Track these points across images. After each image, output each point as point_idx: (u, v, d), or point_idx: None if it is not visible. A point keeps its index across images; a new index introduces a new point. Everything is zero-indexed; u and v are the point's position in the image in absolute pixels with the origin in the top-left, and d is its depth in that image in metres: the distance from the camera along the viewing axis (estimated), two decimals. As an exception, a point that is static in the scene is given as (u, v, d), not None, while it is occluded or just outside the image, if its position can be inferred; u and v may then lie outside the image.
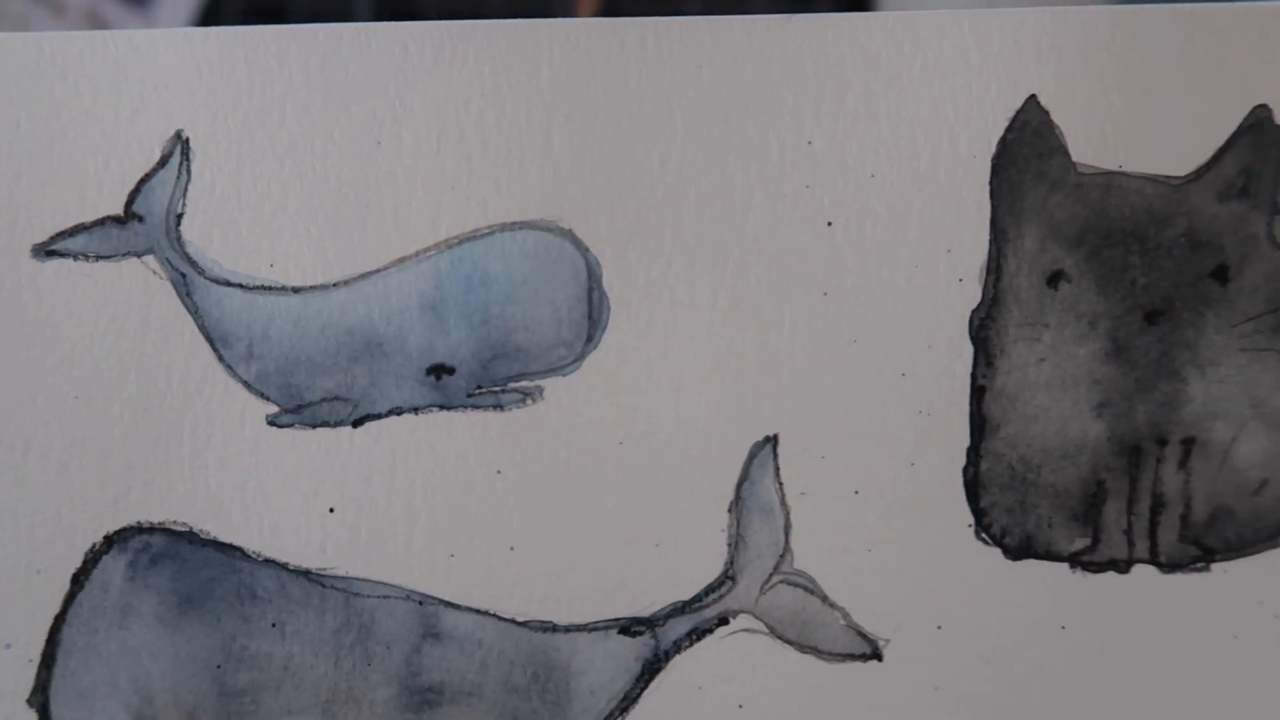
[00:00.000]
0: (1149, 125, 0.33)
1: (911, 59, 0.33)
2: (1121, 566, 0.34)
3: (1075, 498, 0.34)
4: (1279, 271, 0.33)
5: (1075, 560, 0.34)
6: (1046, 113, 0.33)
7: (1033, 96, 0.33)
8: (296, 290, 0.34)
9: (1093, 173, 0.33)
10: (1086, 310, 0.33)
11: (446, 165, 0.33)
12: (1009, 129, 0.33)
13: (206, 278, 0.34)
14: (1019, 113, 0.33)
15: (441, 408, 0.34)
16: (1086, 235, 0.33)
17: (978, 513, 0.34)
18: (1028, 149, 0.33)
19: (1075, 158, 0.33)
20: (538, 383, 0.34)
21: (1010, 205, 0.33)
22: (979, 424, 0.34)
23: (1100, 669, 0.34)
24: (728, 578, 0.34)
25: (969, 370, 0.34)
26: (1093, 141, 0.33)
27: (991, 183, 0.33)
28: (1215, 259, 0.33)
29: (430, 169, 0.33)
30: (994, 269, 0.33)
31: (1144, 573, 0.34)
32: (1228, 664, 0.34)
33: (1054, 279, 0.33)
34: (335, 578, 0.34)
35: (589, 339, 0.34)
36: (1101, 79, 0.33)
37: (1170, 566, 0.34)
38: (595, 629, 0.34)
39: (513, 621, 0.34)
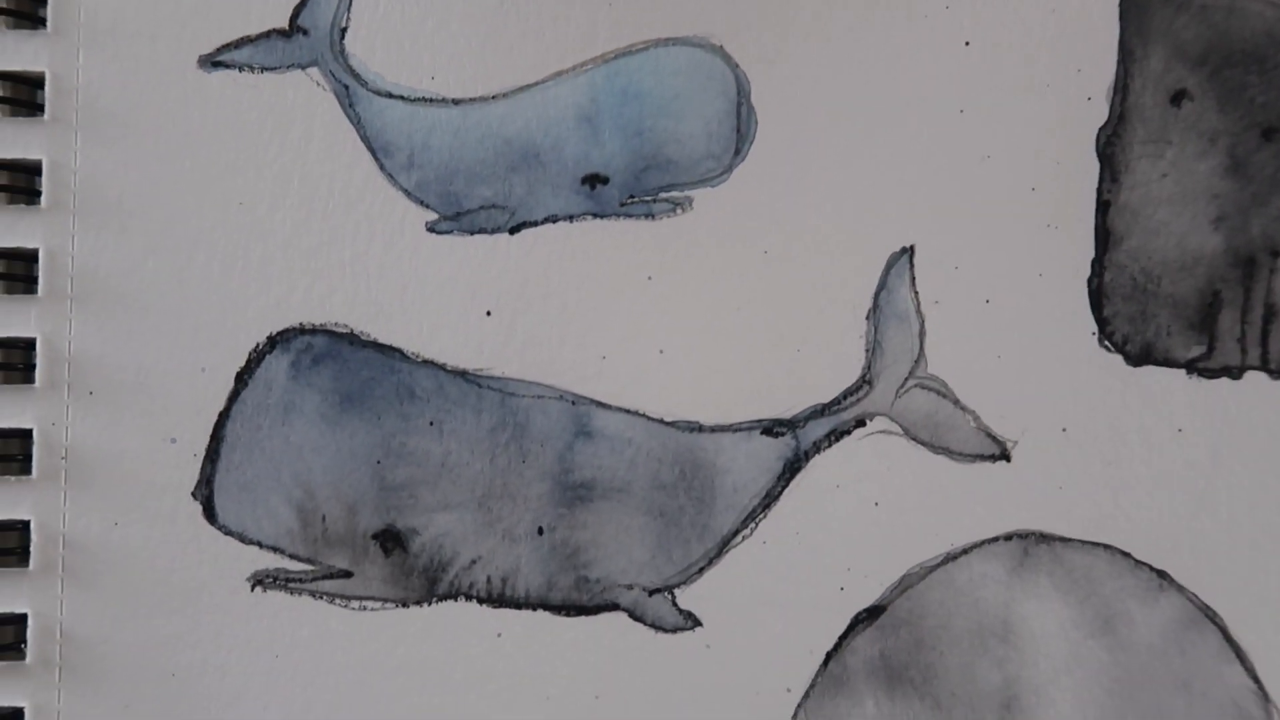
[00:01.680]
0: (1270, -50, 0.36)
1: (1048, -116, 0.35)
2: (1235, 373, 0.37)
3: (1192, 307, 0.37)
4: None
5: (1192, 366, 0.37)
6: (1175, -64, 0.36)
7: (1162, -78, 0.36)
8: (456, 102, 0.36)
9: (1217, -5, 0.36)
10: (1207, 128, 0.36)
11: (604, -19, 0.36)
12: (1139, -48, 0.36)
13: (369, 89, 0.36)
14: (1149, -64, 0.36)
15: (595, 216, 0.36)
16: (1209, 56, 0.36)
17: (1101, 321, 0.37)
18: (1156, -29, 0.36)
19: (1201, -19, 0.36)
20: (687, 193, 0.36)
21: (1138, 26, 0.36)
22: (1104, 237, 0.37)
23: (1214, 470, 0.37)
24: (865, 382, 0.37)
25: (1095, 186, 0.36)
26: (1216, -35, 0.36)
27: (1120, 4, 0.36)
28: None
29: (589, -16, 0.35)
30: (1121, 88, 0.36)
31: (1256, 379, 0.37)
32: (1332, 466, 0.37)
33: (1177, 98, 0.36)
34: (491, 378, 0.36)
35: (737, 152, 0.36)
36: (1227, -96, 0.35)
37: (1280, 373, 0.37)
38: (739, 429, 0.37)
39: (661, 421, 0.37)
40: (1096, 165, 0.37)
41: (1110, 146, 0.37)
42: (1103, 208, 0.37)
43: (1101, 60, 0.37)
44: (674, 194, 0.37)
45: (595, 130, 0.36)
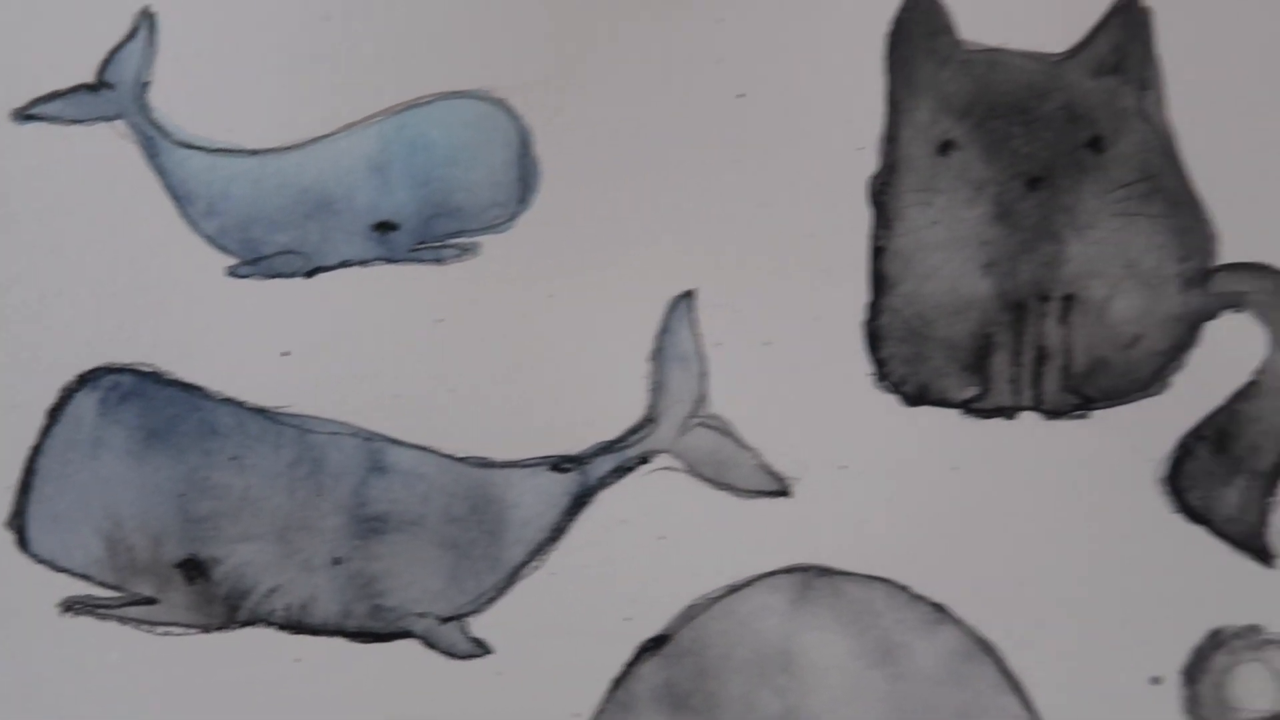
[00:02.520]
0: (1029, 5, 0.37)
1: (813, -58, 0.37)
2: (1008, 413, 0.39)
3: (966, 350, 0.38)
4: (1148, 142, 0.38)
5: (966, 407, 0.39)
6: (936, -7, 0.37)
7: (924, -23, 0.37)
8: (254, 153, 0.38)
9: (977, 49, 0.38)
10: (974, 177, 0.38)
11: (390, 37, 0.38)
12: (902, 8, 0.38)
13: (171, 141, 0.38)
14: (911, -7, 0.37)
15: (387, 261, 0.38)
16: (973, 107, 0.38)
17: (878, 363, 0.39)
18: (919, 27, 0.38)
19: (962, 36, 0.37)
20: (475, 239, 0.38)
21: (904, 79, 0.38)
22: (878, 281, 0.39)
23: (988, 508, 0.39)
24: (649, 420, 0.39)
25: (869, 232, 0.38)
26: (977, 20, 0.37)
27: (886, 58, 0.38)
28: (1090, 130, 0.38)
29: (376, 41, 0.38)
30: (890, 138, 0.38)
31: (1029, 419, 0.39)
32: (1105, 504, 0.39)
33: (944, 148, 0.38)
34: (289, 415, 0.38)
35: (521, 200, 0.38)
36: (987, -38, 0.37)
37: (1053, 414, 0.39)
38: (528, 465, 0.39)
39: (452, 457, 0.38)
40: (869, 212, 0.39)
41: (882, 194, 0.39)
42: (877, 253, 0.39)
43: (870, 112, 0.38)
44: (462, 240, 0.39)
45: (385, 179, 0.39)
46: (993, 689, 0.39)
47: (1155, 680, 0.39)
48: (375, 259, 0.39)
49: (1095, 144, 0.39)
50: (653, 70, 0.39)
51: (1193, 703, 0.39)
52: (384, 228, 0.39)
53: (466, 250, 0.39)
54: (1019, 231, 0.39)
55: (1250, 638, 0.39)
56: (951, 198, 0.39)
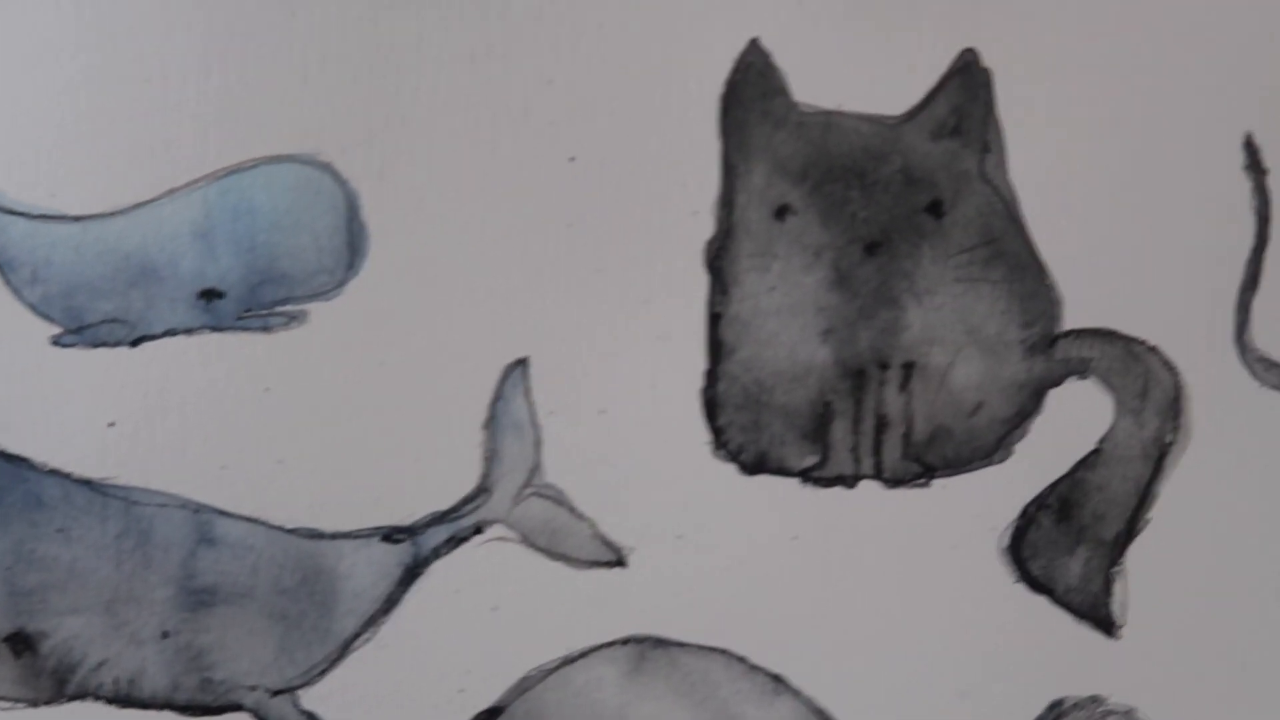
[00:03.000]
0: (865, 67, 0.36)
1: (642, 2, 0.36)
2: (849, 482, 0.38)
3: (805, 417, 0.38)
4: (990, 206, 0.37)
5: (806, 476, 0.38)
6: (768, 55, 0.36)
7: (755, 39, 0.36)
8: (77, 219, 0.38)
9: (813, 112, 0.37)
10: (811, 242, 0.37)
11: (212, 102, 0.37)
12: (734, 70, 0.37)
13: None
14: (743, 55, 0.37)
15: (213, 329, 0.38)
16: (809, 171, 0.37)
17: (715, 431, 0.38)
18: (752, 89, 0.37)
19: (797, 98, 0.36)
20: (303, 306, 0.38)
21: (738, 143, 0.37)
22: (716, 348, 0.38)
23: (828, 577, 0.38)
24: (483, 489, 0.38)
25: (706, 298, 0.37)
26: (812, 82, 0.36)
27: (720, 121, 0.37)
28: (930, 194, 0.37)
29: (197, 105, 0.37)
30: (726, 203, 0.37)
31: (869, 488, 0.39)
32: (948, 573, 0.38)
33: (781, 212, 0.37)
34: (116, 487, 0.38)
35: (350, 266, 0.38)
36: (818, 21, 0.36)
37: (894, 482, 0.38)
38: (359, 536, 0.38)
39: (281, 529, 0.38)
40: (706, 278, 0.38)
41: (719, 260, 0.38)
42: (714, 320, 0.38)
43: (705, 175, 0.38)
44: (289, 308, 0.38)
45: (210, 245, 0.38)
46: (831, 761, 0.39)
47: (995, 753, 0.39)
48: (201, 327, 0.38)
49: (935, 208, 0.38)
50: (483, 132, 0.38)
51: (1032, 776, 0.39)
52: (209, 295, 0.38)
53: (294, 318, 0.38)
54: (857, 297, 0.38)
55: (1091, 709, 0.39)
56: (789, 263, 0.38)
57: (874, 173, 0.38)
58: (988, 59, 0.38)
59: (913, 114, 0.38)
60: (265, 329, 0.39)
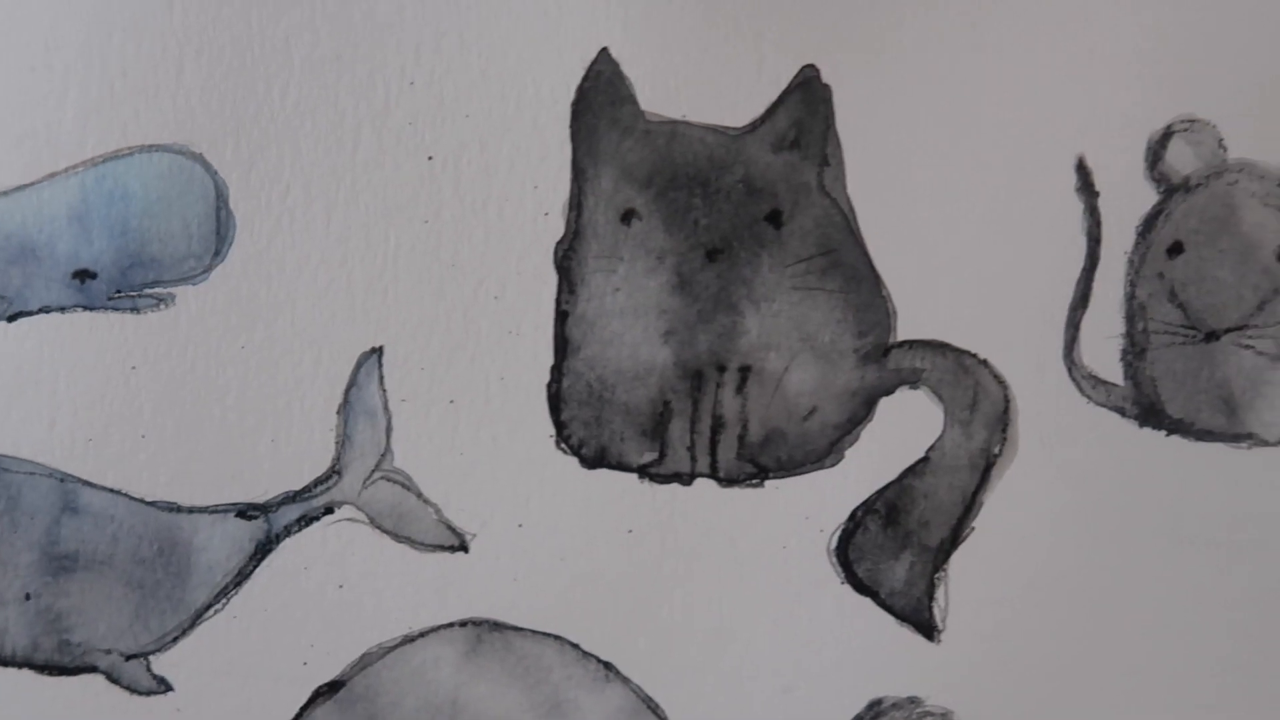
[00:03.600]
0: (710, 79, 0.38)
1: (499, 8, 0.38)
2: (685, 479, 0.40)
3: (645, 415, 0.39)
4: (828, 218, 0.39)
5: (644, 472, 0.40)
6: (617, 64, 0.38)
7: (605, 49, 0.38)
8: (-38, 198, 0.39)
9: (659, 121, 0.39)
10: (655, 246, 0.39)
11: (92, 91, 0.39)
12: (585, 78, 0.38)
13: None
14: (593, 64, 0.38)
15: (85, 308, 0.40)
16: (654, 177, 0.39)
17: (559, 424, 0.40)
18: (602, 96, 0.38)
19: (644, 107, 0.38)
20: (171, 290, 0.39)
21: (588, 148, 0.39)
22: (562, 345, 0.39)
23: (661, 571, 0.40)
24: (335, 472, 0.40)
25: (554, 296, 0.39)
26: (659, 92, 0.38)
27: (571, 126, 0.38)
28: (770, 204, 0.39)
29: (78, 94, 0.39)
30: (575, 205, 0.39)
31: (705, 486, 0.40)
32: (777, 571, 0.39)
33: (627, 216, 0.39)
34: (-13, 455, 0.39)
35: (216, 252, 0.40)
36: (665, 34, 0.38)
37: (728, 481, 0.40)
38: (215, 511, 0.40)
39: (142, 501, 0.40)
40: (555, 277, 0.39)
41: (567, 260, 0.39)
42: (561, 317, 0.40)
43: (556, 178, 0.39)
44: (158, 290, 0.40)
45: (85, 228, 0.40)
46: (656, 749, 0.41)
47: (815, 748, 0.40)
48: (74, 306, 0.40)
49: (774, 218, 0.39)
50: (346, 129, 0.40)
51: (849, 773, 0.40)
52: (83, 276, 0.40)
53: (162, 300, 0.41)
54: (698, 302, 0.40)
55: (909, 709, 0.40)
56: (633, 266, 0.40)
57: (716, 182, 0.39)
58: (828, 75, 0.39)
59: (755, 126, 0.39)
60: (134, 310, 0.41)
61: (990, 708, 0.41)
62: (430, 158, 0.41)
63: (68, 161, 0.41)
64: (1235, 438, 0.41)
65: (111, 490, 0.42)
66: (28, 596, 0.42)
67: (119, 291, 0.41)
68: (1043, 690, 0.41)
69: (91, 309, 0.41)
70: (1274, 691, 0.42)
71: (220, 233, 0.41)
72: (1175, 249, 0.40)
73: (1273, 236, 0.41)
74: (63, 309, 0.41)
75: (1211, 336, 0.40)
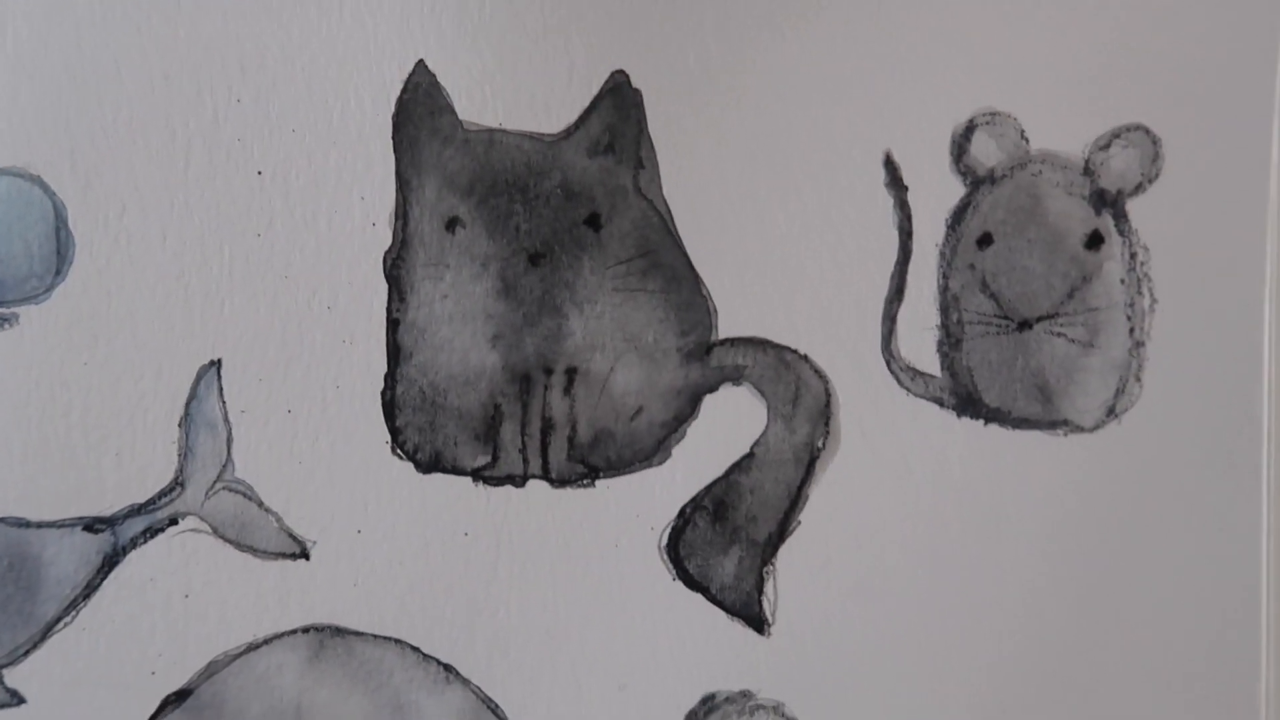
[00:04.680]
0: (523, 86, 0.39)
1: (318, 23, 0.39)
2: (518, 481, 0.40)
3: (477, 419, 0.40)
4: (645, 220, 0.40)
5: (478, 475, 0.41)
6: (433, 75, 0.39)
7: (421, 60, 0.39)
8: None
9: (477, 129, 0.40)
10: (480, 252, 0.40)
11: (-69, 119, 0.40)
12: (404, 89, 0.39)
13: None
14: (410, 75, 0.39)
15: (-71, 329, 0.41)
16: (475, 185, 0.40)
17: (394, 430, 0.41)
18: (420, 107, 0.40)
19: (462, 116, 0.39)
20: (14, 309, 0.40)
21: (410, 158, 0.40)
22: (394, 352, 0.40)
23: (497, 572, 0.41)
24: (178, 484, 0.41)
25: (385, 304, 0.40)
26: (475, 101, 0.39)
27: (393, 138, 0.39)
28: (588, 208, 0.40)
29: (-83, 122, 0.40)
30: (401, 215, 0.40)
31: (537, 487, 0.41)
32: (611, 569, 0.40)
33: (451, 224, 0.40)
34: None
35: (57, 272, 0.41)
36: (478, 43, 0.39)
37: (560, 482, 0.41)
38: (63, 525, 0.41)
39: (-10, 517, 0.41)
40: (385, 286, 0.40)
41: (396, 269, 0.41)
42: (393, 325, 0.41)
43: (382, 189, 0.40)
44: (1, 310, 0.41)
45: (-72, 252, 0.41)
46: (497, 748, 0.41)
47: (649, 743, 0.41)
48: (-81, 327, 0.42)
49: (593, 221, 0.40)
50: (178, 146, 0.42)
51: (683, 767, 0.40)
52: (-73, 297, 0.41)
53: (5, 320, 0.42)
54: (523, 305, 0.41)
55: (741, 703, 0.41)
56: (459, 273, 0.41)
57: (535, 187, 0.40)
58: (638, 80, 0.40)
59: (569, 132, 0.40)
60: (-22, 329, 0.42)
61: (819, 699, 0.42)
62: (260, 172, 0.42)
63: (-89, 188, 0.43)
64: (1051, 425, 0.41)
65: (-40, 507, 0.43)
66: (-122, 614, 0.43)
67: (-37, 313, 0.43)
68: (870, 680, 0.42)
69: (-64, 330, 0.43)
70: (1093, 669, 0.42)
71: (60, 252, 0.43)
72: (985, 240, 0.41)
73: (1079, 225, 0.41)
74: (-91, 331, 0.43)
75: (1024, 326, 0.41)
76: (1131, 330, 0.43)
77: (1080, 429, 0.43)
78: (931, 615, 0.43)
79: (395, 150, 0.43)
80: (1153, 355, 0.43)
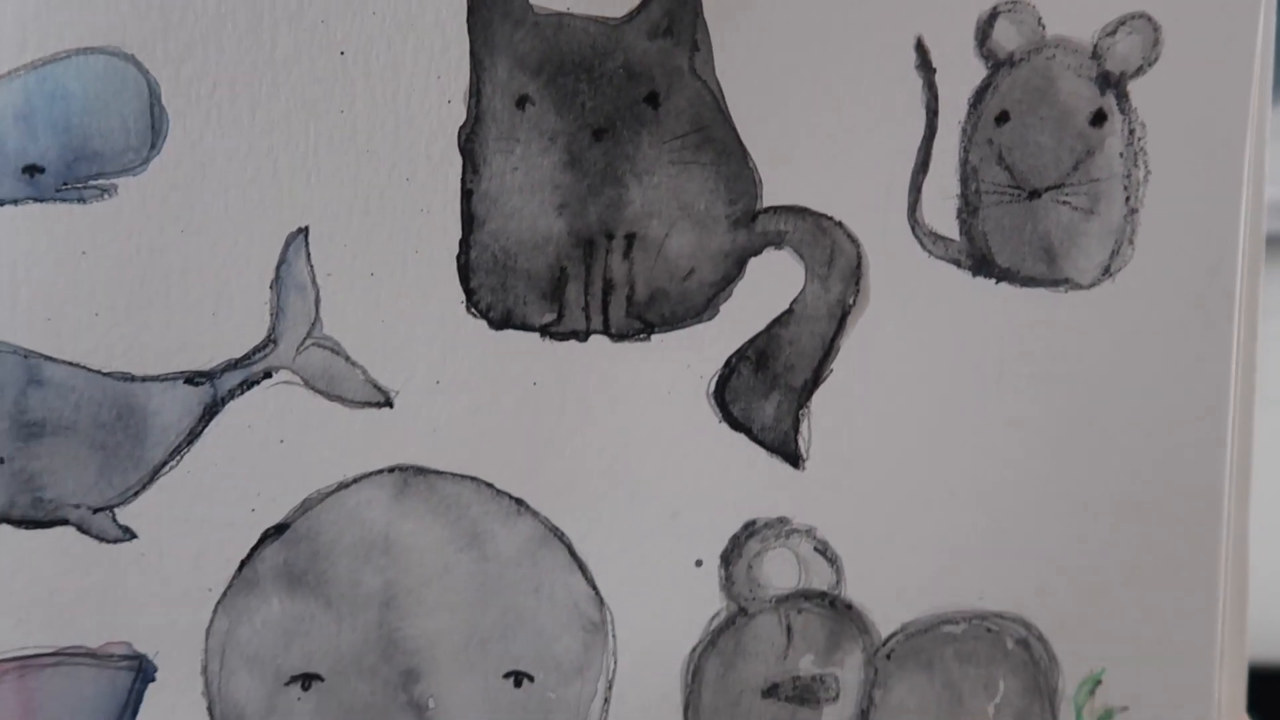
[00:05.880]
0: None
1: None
2: (581, 336, 0.45)
3: (544, 280, 0.45)
4: (699, 98, 0.44)
5: (545, 331, 0.45)
6: (507, -41, 0.43)
7: (498, -53, 0.43)
8: (-86, 101, 0.44)
9: (546, 13, 0.43)
10: (547, 128, 0.44)
11: (29, 1, 0.43)
12: (478, -27, 0.43)
13: None
14: (485, -41, 0.43)
15: (35, 200, 0.44)
16: (544, 66, 0.43)
17: (468, 291, 0.46)
18: (493, -8, 0.43)
19: (532, 1, 0.43)
20: (113, 181, 0.44)
21: (484, 40, 0.44)
22: (469, 220, 0.45)
23: (563, 418, 0.46)
24: (271, 340, 0.45)
25: (460, 176, 0.44)
26: (547, -12, 0.43)
27: (468, 21, 0.43)
28: (648, 87, 0.44)
29: (15, 3, 0.42)
30: (475, 93, 0.44)
31: (599, 341, 0.46)
32: (664, 413, 0.45)
33: (521, 102, 0.44)
34: (-44, 335, 0.44)
35: (152, 146, 0.45)
36: (549, -66, 0.42)
37: (619, 336, 0.46)
38: (166, 380, 0.45)
39: (99, 372, 0.45)
40: (459, 159, 0.44)
41: (470, 143, 0.44)
42: (467, 195, 0.45)
43: (457, 69, 0.44)
44: (101, 181, 0.45)
45: (30, 127, 0.45)
46: (563, 570, 0.47)
47: (699, 563, 0.47)
48: (25, 198, 0.45)
49: (652, 99, 0.44)
50: (263, 29, 0.45)
51: (729, 582, 0.46)
52: (31, 170, 0.45)
53: (105, 191, 0.45)
54: (587, 177, 0.45)
55: (779, 528, 0.47)
56: (529, 147, 0.45)
57: (600, 68, 0.44)
58: (694, -32, 0.44)
59: (631, 16, 0.44)
60: (81, 200, 0.46)
61: (847, 523, 0.48)
62: (342, 53, 0.45)
63: (9, 66, 0.45)
64: (1054, 283, 0.47)
65: (71, 364, 0.47)
66: (1, 461, 0.47)
67: (66, 184, 0.46)
68: (891, 506, 0.48)
69: (41, 200, 0.46)
70: (1081, 490, 0.49)
71: (155, 127, 0.46)
72: (1002, 118, 0.46)
73: (1085, 104, 0.47)
74: (15, 201, 0.46)
75: (1034, 195, 0.47)
76: (1127, 199, 0.48)
77: (1079, 286, 0.48)
78: (945, 450, 0.49)
79: (470, 32, 0.46)
80: (1144, 221, 0.49)
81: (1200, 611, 0.51)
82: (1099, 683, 0.51)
